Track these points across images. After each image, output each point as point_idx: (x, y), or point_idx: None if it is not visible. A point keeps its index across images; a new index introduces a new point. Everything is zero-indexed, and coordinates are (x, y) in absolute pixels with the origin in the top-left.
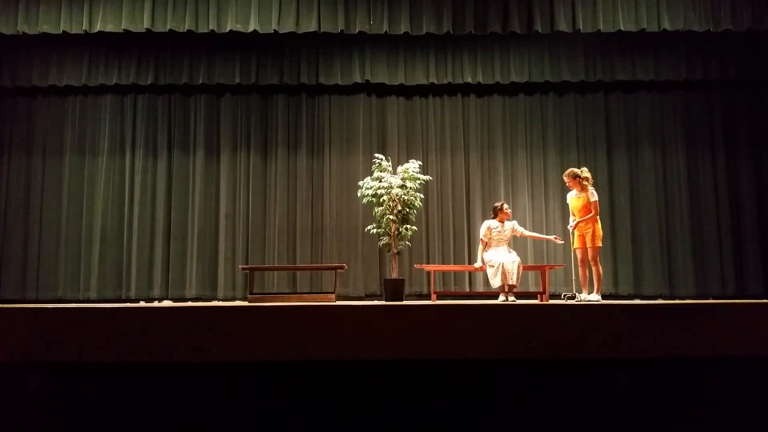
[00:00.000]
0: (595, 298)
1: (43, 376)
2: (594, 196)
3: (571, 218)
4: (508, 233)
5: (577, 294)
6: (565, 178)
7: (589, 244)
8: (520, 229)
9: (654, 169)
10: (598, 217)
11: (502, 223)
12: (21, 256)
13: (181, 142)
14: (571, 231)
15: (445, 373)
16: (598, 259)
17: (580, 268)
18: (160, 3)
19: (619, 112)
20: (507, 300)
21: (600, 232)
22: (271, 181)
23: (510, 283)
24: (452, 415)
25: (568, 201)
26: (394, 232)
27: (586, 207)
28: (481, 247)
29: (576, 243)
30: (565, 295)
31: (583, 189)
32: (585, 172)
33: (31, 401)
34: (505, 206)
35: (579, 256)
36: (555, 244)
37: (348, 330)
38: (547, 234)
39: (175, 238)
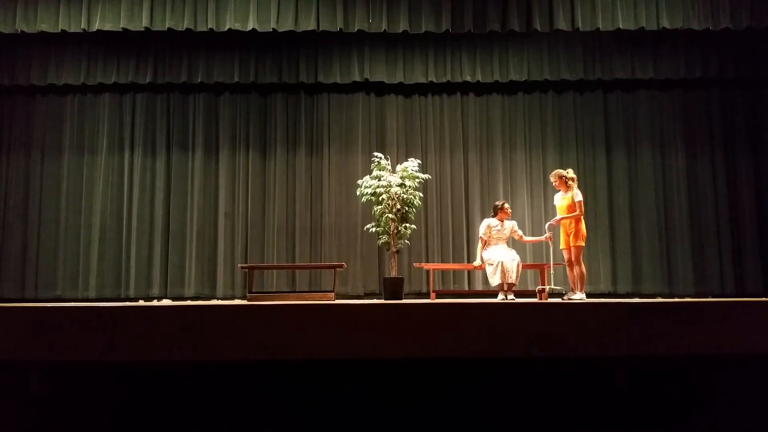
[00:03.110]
0: (578, 297)
1: (43, 376)
2: (579, 196)
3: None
4: (507, 232)
5: (553, 288)
6: (552, 178)
7: (572, 244)
8: (519, 232)
9: (653, 168)
10: (582, 217)
11: (502, 222)
12: (20, 255)
13: (180, 141)
14: (547, 227)
15: (445, 372)
16: (580, 258)
17: (567, 269)
18: (158, 2)
19: (618, 110)
20: (506, 298)
21: (584, 232)
22: (270, 180)
23: (509, 281)
24: (452, 413)
25: (555, 202)
26: (393, 231)
27: (571, 207)
28: (480, 245)
29: (562, 244)
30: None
31: (569, 189)
32: (570, 172)
33: (31, 400)
34: (506, 205)
35: (565, 257)
36: (553, 242)
37: (347, 329)
38: (539, 234)
39: (174, 237)
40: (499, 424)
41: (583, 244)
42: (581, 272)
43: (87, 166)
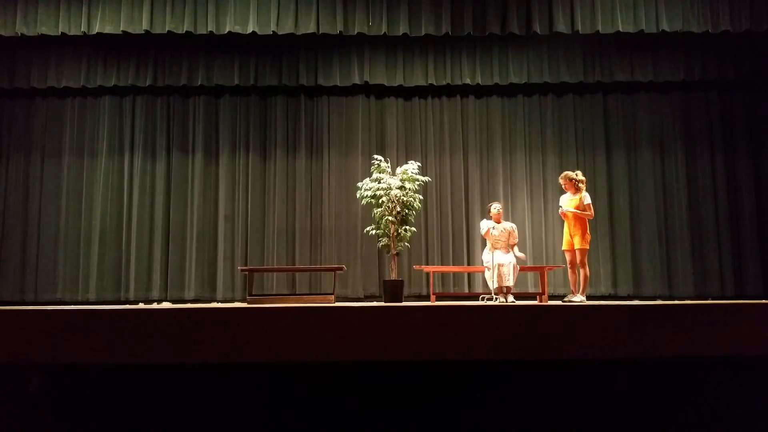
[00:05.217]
0: (578, 299)
1: (43, 378)
2: (588, 199)
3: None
4: (506, 236)
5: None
6: (561, 180)
7: (576, 246)
8: (514, 240)
9: (653, 170)
10: (587, 220)
11: (498, 223)
12: (20, 257)
13: (180, 144)
14: (561, 212)
15: (445, 374)
16: (585, 261)
17: (569, 271)
18: (158, 4)
19: (618, 113)
20: (505, 301)
21: (588, 235)
22: (270, 183)
23: (506, 284)
24: (452, 416)
25: (562, 203)
26: (393, 234)
27: (579, 209)
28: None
29: (564, 245)
30: (483, 297)
31: (578, 191)
32: (579, 174)
33: (31, 403)
34: (493, 208)
35: (567, 259)
36: (554, 244)
37: (347, 331)
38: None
39: (174, 240)
40: (499, 426)
41: (588, 247)
42: (585, 274)
43: (87, 168)
